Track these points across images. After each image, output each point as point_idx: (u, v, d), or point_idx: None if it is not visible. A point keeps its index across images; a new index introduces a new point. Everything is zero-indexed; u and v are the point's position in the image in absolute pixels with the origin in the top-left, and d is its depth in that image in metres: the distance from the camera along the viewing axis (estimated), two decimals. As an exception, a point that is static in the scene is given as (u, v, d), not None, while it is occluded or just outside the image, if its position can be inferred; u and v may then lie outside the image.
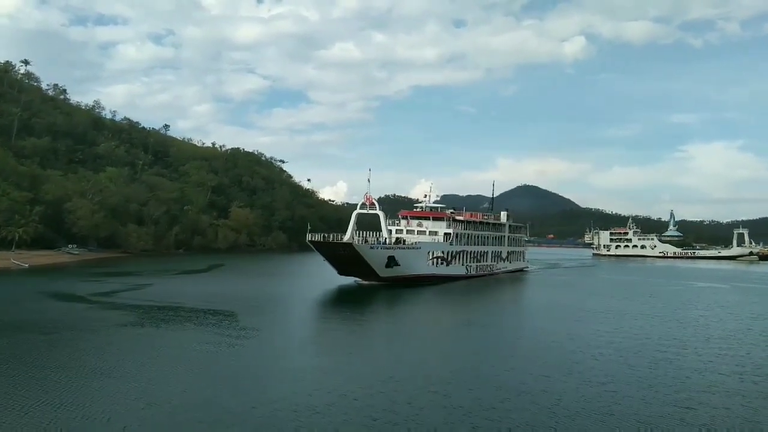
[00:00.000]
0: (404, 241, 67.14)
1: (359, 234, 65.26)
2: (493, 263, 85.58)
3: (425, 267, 67.25)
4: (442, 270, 70.67)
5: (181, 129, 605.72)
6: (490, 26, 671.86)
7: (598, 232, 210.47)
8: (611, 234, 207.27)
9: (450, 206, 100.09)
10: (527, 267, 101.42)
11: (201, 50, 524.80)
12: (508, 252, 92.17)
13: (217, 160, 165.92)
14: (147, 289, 51.65)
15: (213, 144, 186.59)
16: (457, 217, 77.36)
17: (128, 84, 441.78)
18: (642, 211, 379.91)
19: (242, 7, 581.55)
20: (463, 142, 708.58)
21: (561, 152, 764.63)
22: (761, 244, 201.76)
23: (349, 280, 62.45)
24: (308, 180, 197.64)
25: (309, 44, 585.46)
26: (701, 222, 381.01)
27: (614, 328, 39.21)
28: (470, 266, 77.95)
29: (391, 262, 60.91)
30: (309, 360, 27.81)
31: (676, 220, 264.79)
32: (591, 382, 24.54)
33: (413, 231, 72.23)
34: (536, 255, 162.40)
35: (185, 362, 25.78)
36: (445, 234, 72.62)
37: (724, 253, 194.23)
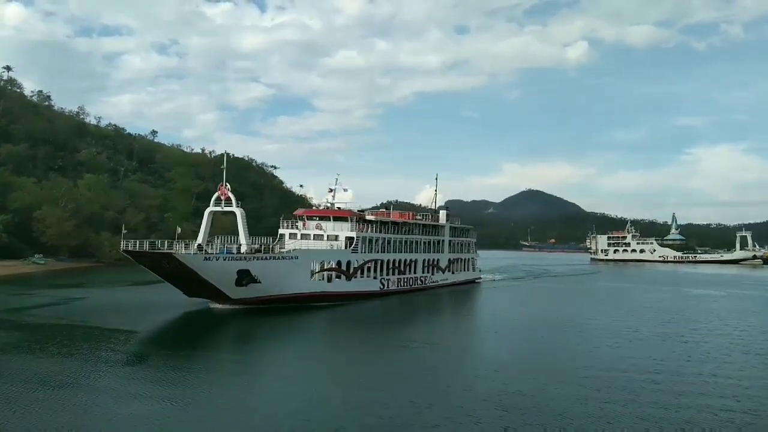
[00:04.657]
0: (271, 248, 50.11)
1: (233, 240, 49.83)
2: (426, 275, 69.87)
3: (306, 283, 50.51)
4: (339, 286, 54.26)
5: (187, 137, 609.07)
6: (493, 32, 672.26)
7: (595, 236, 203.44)
8: (609, 238, 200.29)
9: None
10: (479, 278, 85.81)
11: (205, 59, 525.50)
12: (449, 260, 76.46)
13: (205, 166, 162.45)
14: (75, 303, 47.41)
15: (202, 150, 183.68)
16: (368, 217, 61.95)
17: (134, 94, 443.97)
18: (648, 215, 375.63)
19: (246, 17, 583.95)
20: (467, 148, 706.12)
21: (566, 156, 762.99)
22: (766, 247, 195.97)
23: (199, 302, 46.13)
24: (300, 186, 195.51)
25: (312, 52, 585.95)
26: (708, 225, 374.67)
27: (576, 350, 34.64)
28: (388, 280, 61.93)
29: (245, 278, 44.48)
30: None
31: (679, 223, 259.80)
32: (529, 424, 19.95)
33: (309, 235, 57.40)
34: (527, 261, 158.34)
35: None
36: (347, 238, 56.61)
37: (727, 257, 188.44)
